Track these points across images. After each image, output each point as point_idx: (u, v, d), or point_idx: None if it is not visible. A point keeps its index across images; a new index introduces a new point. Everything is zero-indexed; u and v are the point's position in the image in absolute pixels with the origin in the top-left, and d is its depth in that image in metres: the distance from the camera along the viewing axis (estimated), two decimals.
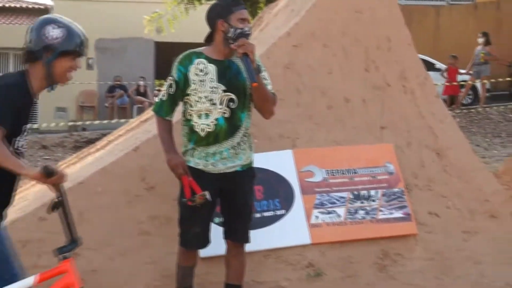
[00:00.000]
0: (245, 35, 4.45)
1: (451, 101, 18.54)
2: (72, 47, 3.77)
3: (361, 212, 5.72)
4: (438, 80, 17.50)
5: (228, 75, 4.53)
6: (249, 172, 4.64)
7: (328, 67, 6.30)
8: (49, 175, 3.47)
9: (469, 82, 18.90)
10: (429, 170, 6.20)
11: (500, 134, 15.17)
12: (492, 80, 19.16)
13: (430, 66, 18.95)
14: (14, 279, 3.65)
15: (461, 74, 18.81)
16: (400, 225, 5.78)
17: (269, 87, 4.61)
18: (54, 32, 3.75)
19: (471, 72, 18.58)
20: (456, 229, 6.03)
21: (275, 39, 6.32)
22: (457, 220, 6.07)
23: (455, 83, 18.52)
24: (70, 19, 3.90)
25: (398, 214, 5.80)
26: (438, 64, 20.60)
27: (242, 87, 4.52)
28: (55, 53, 3.74)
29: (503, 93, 21.19)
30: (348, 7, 6.56)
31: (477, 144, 13.78)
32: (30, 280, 3.59)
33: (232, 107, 4.52)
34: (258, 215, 5.43)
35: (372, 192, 5.81)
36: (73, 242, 3.65)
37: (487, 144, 14.13)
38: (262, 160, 5.22)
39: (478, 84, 18.97)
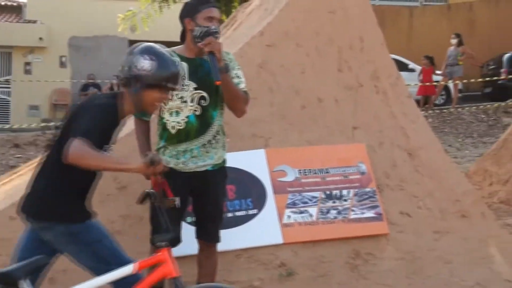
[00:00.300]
0: (210, 33, 4.44)
1: (425, 101, 18.68)
2: (159, 81, 3.79)
3: (333, 211, 5.73)
4: (411, 81, 17.61)
5: (199, 73, 4.53)
6: (220, 172, 4.63)
7: (301, 66, 6.31)
8: (153, 165, 3.58)
9: (442, 83, 19.05)
10: (401, 170, 6.23)
11: (472, 134, 15.31)
12: (465, 81, 19.32)
13: (403, 67, 19.09)
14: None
15: (437, 74, 18.98)
16: (371, 225, 5.80)
17: (242, 85, 4.60)
18: (144, 64, 3.77)
19: (442, 72, 18.75)
20: (427, 229, 6.06)
21: (248, 38, 6.32)
22: (428, 220, 6.10)
23: (429, 84, 18.65)
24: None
25: (369, 214, 5.83)
26: (411, 65, 20.73)
27: (214, 85, 4.51)
28: (142, 84, 3.78)
29: (475, 93, 21.38)
30: (321, 6, 6.57)
31: (449, 144, 13.89)
32: (130, 268, 3.72)
33: (204, 104, 4.52)
34: (230, 214, 5.43)
35: (344, 192, 5.83)
36: (168, 231, 3.74)
37: (459, 145, 14.25)
38: (234, 160, 5.21)
39: (450, 84, 19.12)
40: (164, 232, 3.75)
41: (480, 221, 6.30)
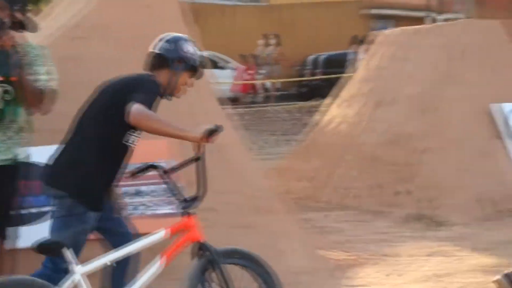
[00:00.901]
0: None
1: (241, 98, 19.17)
2: (197, 64, 4.27)
3: (131, 207, 5.75)
4: (223, 78, 17.95)
5: (4, 66, 4.43)
6: (14, 168, 4.55)
7: (113, 60, 6.29)
8: (211, 135, 3.91)
9: (259, 81, 19.63)
10: (207, 166, 6.35)
11: (281, 132, 15.83)
12: (283, 80, 20.00)
13: (214, 64, 19.47)
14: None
15: (253, 73, 19.51)
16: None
17: (51, 82, 4.55)
18: (189, 48, 4.25)
19: (262, 71, 19.33)
20: (231, 224, 6.23)
21: (62, 30, 6.25)
22: (233, 215, 6.28)
23: (247, 82, 19.15)
24: None
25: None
26: (223, 63, 21.11)
27: (20, 79, 4.43)
28: (185, 65, 4.21)
29: (291, 93, 22.18)
30: (134, 1, 6.62)
31: (263, 141, 14.32)
32: (162, 233, 4.11)
33: (7, 98, 4.43)
34: (34, 210, 5.33)
35: (151, 188, 5.87)
36: (195, 199, 4.16)
37: (274, 142, 14.72)
38: (38, 155, 5.11)
39: (267, 83, 19.74)
40: (191, 200, 4.13)
41: (281, 216, 6.58)
